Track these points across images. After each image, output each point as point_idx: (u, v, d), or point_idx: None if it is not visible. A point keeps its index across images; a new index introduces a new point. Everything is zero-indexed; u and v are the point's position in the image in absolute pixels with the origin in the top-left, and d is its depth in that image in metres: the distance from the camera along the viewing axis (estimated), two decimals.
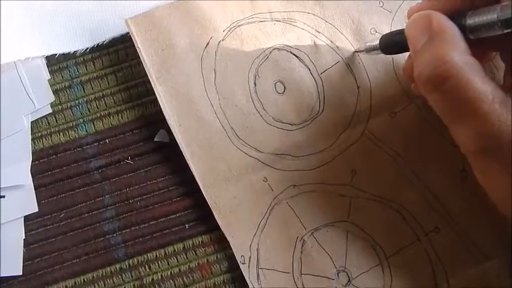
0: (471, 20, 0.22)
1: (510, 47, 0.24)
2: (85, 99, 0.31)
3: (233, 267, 0.28)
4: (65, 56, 0.31)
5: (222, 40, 0.30)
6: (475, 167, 0.22)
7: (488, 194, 0.22)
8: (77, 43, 0.31)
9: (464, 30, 0.22)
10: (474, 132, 0.21)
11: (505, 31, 0.21)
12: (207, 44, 0.30)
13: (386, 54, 0.28)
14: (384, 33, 0.28)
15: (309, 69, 0.30)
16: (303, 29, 0.31)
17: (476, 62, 0.21)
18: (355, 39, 0.31)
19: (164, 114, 0.29)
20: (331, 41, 0.31)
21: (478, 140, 0.21)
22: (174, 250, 0.29)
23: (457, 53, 0.21)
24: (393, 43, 0.26)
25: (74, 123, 0.30)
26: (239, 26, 0.31)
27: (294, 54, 0.30)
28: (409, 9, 0.25)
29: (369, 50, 0.29)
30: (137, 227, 0.29)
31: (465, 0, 0.23)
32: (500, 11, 0.20)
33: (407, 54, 0.27)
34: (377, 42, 0.28)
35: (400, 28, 0.26)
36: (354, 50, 0.30)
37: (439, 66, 0.21)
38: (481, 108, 0.20)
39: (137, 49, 0.30)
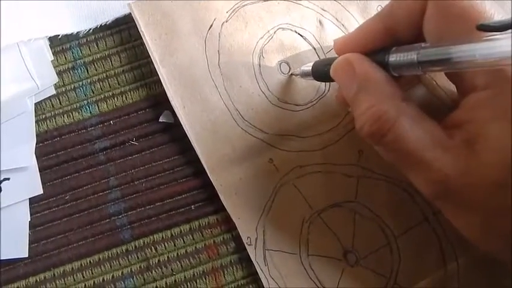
0: (393, 58, 0.21)
1: (447, 74, 0.24)
2: (89, 80, 0.30)
3: (240, 248, 0.28)
4: (68, 37, 0.31)
5: (226, 21, 0.30)
6: (441, 210, 0.22)
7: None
8: (80, 24, 0.30)
9: (387, 67, 0.22)
10: (425, 180, 0.21)
11: (426, 72, 0.20)
12: (211, 25, 0.30)
13: (319, 81, 0.28)
14: None
15: (315, 49, 0.30)
16: (307, 7, 0.30)
17: (408, 105, 0.21)
18: (362, 17, 0.30)
19: (168, 96, 0.29)
20: (337, 19, 0.30)
21: (430, 187, 0.21)
22: (181, 231, 0.29)
23: (389, 104, 0.21)
24: (324, 74, 0.26)
25: (78, 104, 0.30)
26: (243, 6, 0.30)
27: (299, 34, 0.30)
28: (334, 41, 0.25)
29: (304, 75, 0.28)
30: (143, 209, 0.29)
31: (390, 35, 0.23)
32: (420, 51, 0.20)
33: None
34: (310, 67, 0.27)
35: (334, 57, 0.25)
36: (290, 73, 0.30)
37: (375, 123, 0.21)
38: (423, 158, 0.20)
39: (141, 33, 0.29)
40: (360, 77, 0.22)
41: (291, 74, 0.30)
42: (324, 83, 0.29)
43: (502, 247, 0.20)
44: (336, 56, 0.25)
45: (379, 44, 0.23)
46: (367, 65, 0.22)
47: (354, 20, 0.30)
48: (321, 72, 0.26)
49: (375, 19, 0.23)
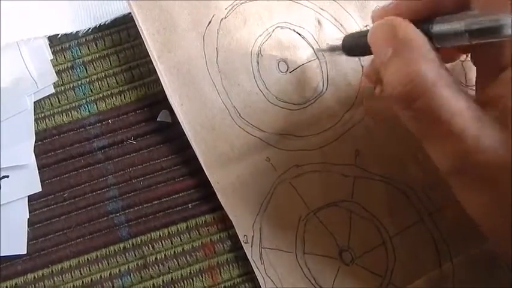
0: (437, 28, 0.20)
1: (481, 50, 0.23)
2: (87, 79, 0.30)
3: (236, 246, 0.28)
4: (68, 37, 0.31)
5: (225, 18, 0.30)
6: (452, 185, 0.21)
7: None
8: (79, 24, 0.31)
9: (431, 38, 0.20)
10: (449, 151, 0.20)
11: (473, 42, 0.19)
12: (209, 22, 0.30)
13: (349, 56, 0.27)
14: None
15: (313, 48, 0.30)
16: (306, 6, 0.30)
17: (448, 73, 0.20)
18: (360, 16, 0.30)
19: (166, 93, 0.29)
20: (335, 19, 0.30)
21: (453, 159, 0.20)
22: (178, 229, 0.29)
23: (427, 67, 0.20)
24: (356, 46, 0.25)
25: (77, 103, 0.30)
26: (242, 3, 0.30)
27: (297, 33, 0.30)
28: (373, 11, 0.24)
29: (331, 50, 0.27)
30: (140, 207, 0.29)
31: (433, 3, 0.21)
32: (468, 19, 0.19)
33: None
34: (340, 42, 0.26)
35: (364, 30, 0.24)
36: (316, 48, 0.29)
37: (409, 83, 0.20)
38: (455, 127, 0.19)
39: (139, 28, 0.29)
40: (401, 38, 0.21)
41: (317, 50, 0.29)
42: (321, 83, 0.29)
43: (507, 232, 0.20)
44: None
45: (422, 14, 0.21)
46: (411, 28, 0.21)
47: (352, 19, 0.30)
48: (355, 44, 0.25)
49: None
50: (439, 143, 0.20)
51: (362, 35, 0.24)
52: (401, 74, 0.20)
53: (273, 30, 0.30)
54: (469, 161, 0.19)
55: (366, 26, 0.30)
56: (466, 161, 0.19)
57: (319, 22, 0.30)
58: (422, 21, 0.21)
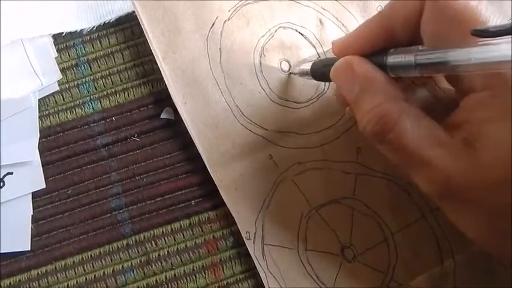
0: (391, 60, 0.21)
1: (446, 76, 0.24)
2: (92, 77, 0.31)
3: (239, 243, 0.28)
4: (72, 35, 0.31)
5: (228, 20, 0.30)
6: (442, 209, 0.22)
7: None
8: (83, 22, 0.31)
9: (385, 68, 0.22)
10: (427, 179, 0.21)
11: (424, 75, 0.21)
12: (213, 23, 0.30)
13: (318, 81, 0.28)
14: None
15: (315, 48, 0.30)
16: (308, 6, 0.31)
17: (410, 105, 0.21)
18: (362, 16, 0.31)
19: (170, 93, 0.29)
20: (337, 19, 0.31)
21: (431, 186, 0.21)
22: (181, 226, 0.29)
23: (391, 103, 0.21)
24: (323, 75, 0.26)
25: (81, 101, 0.30)
26: (245, 5, 0.31)
27: (299, 33, 0.30)
28: (333, 43, 0.25)
29: (302, 74, 0.29)
30: (144, 204, 0.29)
31: (387, 35, 0.23)
32: (418, 53, 0.20)
33: None
34: (309, 67, 0.27)
35: (331, 58, 0.25)
36: (289, 72, 0.30)
37: (378, 121, 0.21)
38: (424, 156, 0.20)
39: (143, 30, 0.30)
40: (361, 78, 0.22)
41: (290, 73, 0.30)
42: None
43: (504, 246, 0.20)
44: (334, 56, 0.25)
45: (377, 46, 0.23)
46: (367, 67, 0.22)
47: (354, 19, 0.31)
48: (320, 72, 0.26)
49: (373, 20, 0.24)
50: (415, 172, 0.21)
51: (328, 64, 0.25)
52: (371, 114, 0.22)
53: (276, 30, 0.30)
54: (446, 186, 0.20)
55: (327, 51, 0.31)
56: (444, 186, 0.20)
57: (321, 22, 0.31)
58: (377, 53, 0.22)
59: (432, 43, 0.21)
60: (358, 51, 0.23)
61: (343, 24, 0.31)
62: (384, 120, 0.21)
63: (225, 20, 0.30)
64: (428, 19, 0.21)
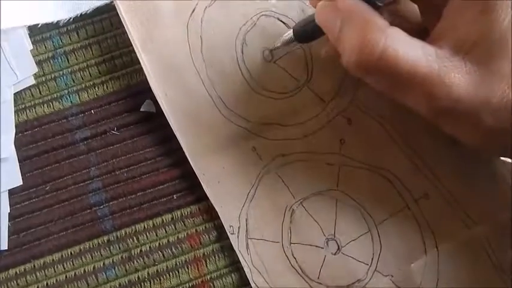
0: None
1: None
2: (69, 69, 0.30)
3: (222, 237, 0.28)
4: (48, 26, 0.30)
5: (209, 6, 0.30)
6: (442, 127, 0.22)
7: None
8: (60, 13, 0.30)
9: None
10: (423, 99, 0.21)
11: None
12: (193, 10, 0.29)
13: (303, 43, 0.28)
14: None
15: None
16: None
17: (396, 28, 0.21)
18: None
19: (150, 83, 0.28)
20: None
21: (429, 104, 0.21)
22: (163, 221, 0.28)
23: (375, 30, 0.21)
24: (307, 32, 0.26)
25: (59, 94, 0.30)
26: None
27: (281, 21, 0.30)
28: None
29: (286, 43, 0.28)
30: (124, 198, 0.29)
31: None
32: None
33: None
34: (291, 34, 0.27)
35: (310, 14, 0.25)
36: (270, 49, 0.29)
37: (363, 50, 0.21)
38: (418, 75, 0.20)
39: (121, 19, 0.29)
40: (343, 11, 0.22)
41: (271, 50, 0.29)
42: (306, 70, 0.29)
43: (502, 150, 0.22)
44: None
45: None
46: (349, 1, 0.22)
47: None
48: (303, 30, 0.26)
49: None
50: (410, 94, 0.21)
51: (310, 20, 0.25)
52: (354, 43, 0.21)
53: (258, 18, 0.30)
54: (443, 101, 0.20)
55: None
56: (441, 103, 0.20)
57: (303, 11, 0.30)
58: None
59: None
60: None
61: None
62: (369, 47, 0.21)
63: (206, 6, 0.30)
64: None
